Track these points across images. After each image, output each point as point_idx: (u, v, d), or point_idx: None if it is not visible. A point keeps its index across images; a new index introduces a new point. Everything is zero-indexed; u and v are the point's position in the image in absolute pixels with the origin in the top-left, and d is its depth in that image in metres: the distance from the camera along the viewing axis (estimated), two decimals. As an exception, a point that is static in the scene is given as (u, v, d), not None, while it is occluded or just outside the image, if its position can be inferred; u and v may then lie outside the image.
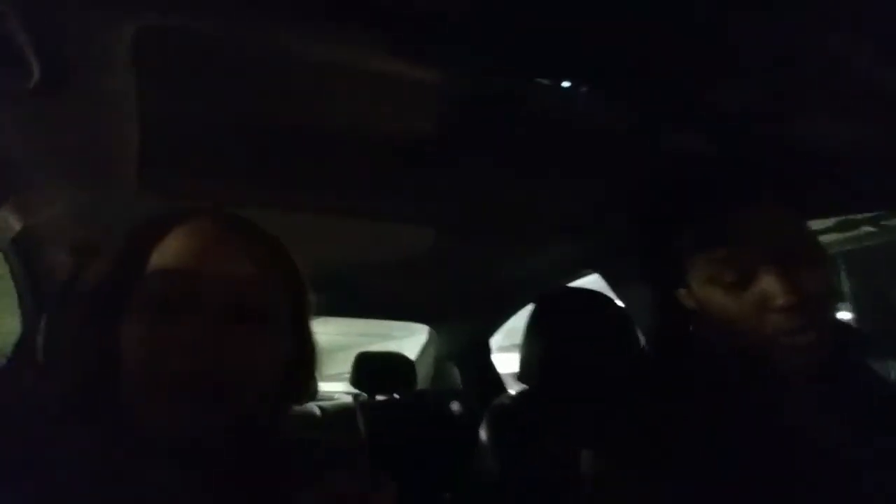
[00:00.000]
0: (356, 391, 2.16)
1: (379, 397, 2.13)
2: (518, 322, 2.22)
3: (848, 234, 2.01)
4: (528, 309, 1.33)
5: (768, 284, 0.69)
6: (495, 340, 2.38)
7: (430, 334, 2.54)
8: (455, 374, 2.41)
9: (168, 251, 0.52)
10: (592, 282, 1.59)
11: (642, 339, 1.23)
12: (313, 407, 1.93)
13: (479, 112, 0.89)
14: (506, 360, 2.65)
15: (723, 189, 0.80)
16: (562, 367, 1.19)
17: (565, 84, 0.77)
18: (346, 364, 2.16)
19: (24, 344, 1.24)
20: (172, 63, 0.76)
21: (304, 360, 0.59)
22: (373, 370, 2.15)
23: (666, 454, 0.71)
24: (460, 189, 1.24)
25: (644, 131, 0.91)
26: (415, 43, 0.73)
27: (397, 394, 2.15)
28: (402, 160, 1.08)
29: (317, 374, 0.62)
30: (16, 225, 1.05)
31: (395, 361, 2.21)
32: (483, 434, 1.20)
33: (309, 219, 1.26)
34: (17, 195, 1.00)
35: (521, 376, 1.26)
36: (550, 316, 1.23)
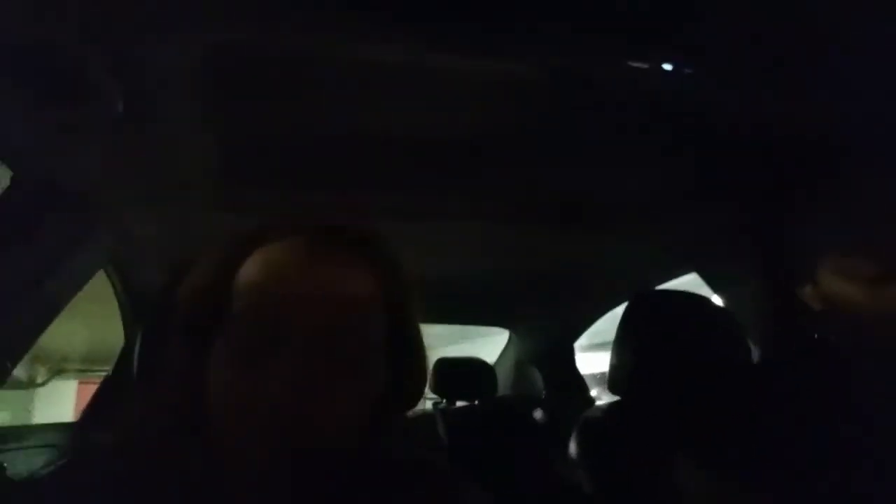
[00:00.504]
0: (435, 397, 2.12)
1: (459, 403, 2.09)
2: (602, 321, 2.11)
3: None
4: (617, 311, 1.23)
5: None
6: (578, 340, 2.28)
7: (511, 337, 2.47)
8: (537, 377, 2.32)
9: (250, 281, 0.46)
10: (688, 283, 1.46)
11: (750, 346, 1.11)
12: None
13: (570, 101, 0.82)
14: (588, 360, 2.54)
15: (855, 175, 0.69)
16: (658, 376, 1.08)
17: (667, 67, 0.68)
18: (423, 371, 2.14)
19: (124, 359, 1.30)
20: (246, 79, 0.76)
21: (413, 376, 0.53)
22: (452, 376, 2.11)
23: (792, 472, 0.63)
24: (544, 184, 1.18)
25: (756, 114, 0.80)
26: (500, 37, 0.69)
27: (478, 400, 2.10)
28: (484, 158, 1.04)
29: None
30: (111, 244, 1.09)
31: (474, 366, 2.16)
32: (573, 448, 1.12)
33: (390, 225, 1.24)
34: (110, 216, 1.04)
35: (612, 386, 1.16)
36: (646, 320, 1.12)
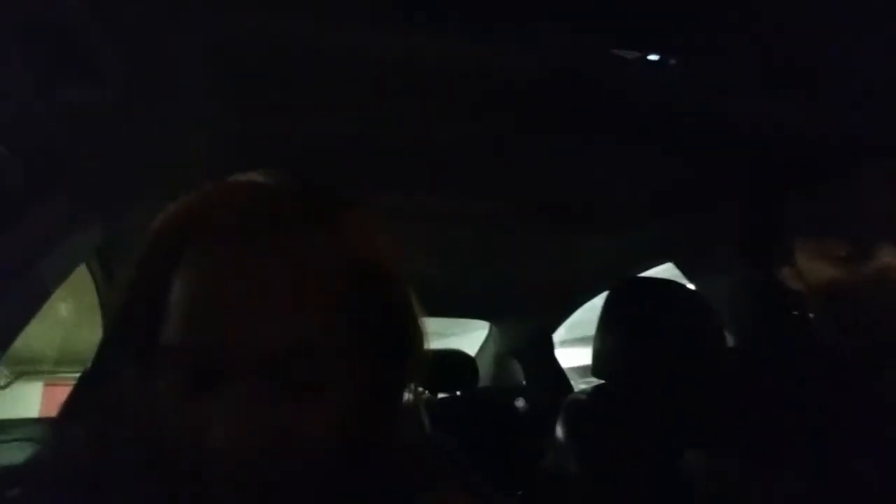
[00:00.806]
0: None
1: (441, 395, 2.12)
2: (580, 315, 2.16)
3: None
4: (599, 300, 1.27)
5: (890, 256, 0.63)
6: (557, 335, 2.33)
7: (491, 330, 2.50)
8: (517, 369, 2.37)
9: (186, 302, 0.38)
10: (662, 271, 1.52)
11: (723, 328, 1.16)
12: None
13: (550, 91, 0.85)
14: (569, 355, 2.60)
15: (828, 159, 0.74)
16: (640, 360, 1.13)
17: (652, 57, 0.72)
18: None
19: (100, 357, 1.28)
20: (246, 71, 0.76)
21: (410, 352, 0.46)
22: (434, 368, 2.12)
23: (774, 449, 0.68)
24: (523, 175, 1.20)
25: (734, 102, 0.85)
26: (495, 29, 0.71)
27: (459, 391, 2.13)
28: (466, 155, 1.06)
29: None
30: (99, 236, 1.08)
31: (456, 359, 2.19)
32: (559, 430, 1.16)
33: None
34: (99, 206, 1.03)
35: (595, 370, 1.21)
36: (627, 306, 1.17)
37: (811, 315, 0.73)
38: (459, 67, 0.80)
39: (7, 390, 5.04)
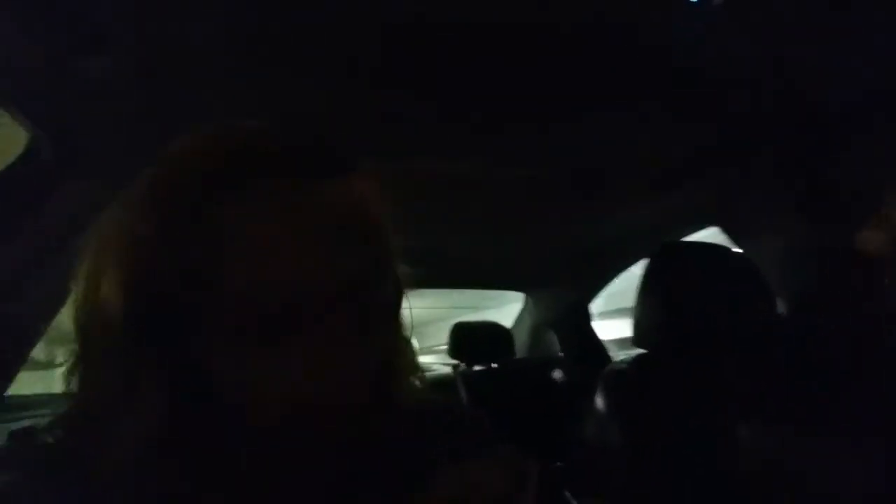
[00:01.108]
0: (454, 362, 2.15)
1: (477, 367, 2.11)
2: (620, 285, 2.10)
3: None
4: (639, 268, 1.22)
5: None
6: (596, 306, 2.28)
7: (526, 301, 2.48)
8: (553, 340, 2.34)
9: (246, 242, 0.36)
10: (710, 237, 1.45)
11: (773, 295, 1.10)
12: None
13: (584, 61, 0.81)
14: (608, 327, 2.55)
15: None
16: (683, 328, 1.08)
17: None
18: (439, 337, 2.15)
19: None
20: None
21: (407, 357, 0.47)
22: (470, 340, 2.13)
23: (826, 424, 0.63)
24: (552, 141, 1.16)
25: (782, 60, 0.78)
26: None
27: (495, 363, 2.12)
28: (498, 121, 1.02)
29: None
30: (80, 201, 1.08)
31: (492, 330, 2.18)
32: (598, 401, 1.13)
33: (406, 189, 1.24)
34: (105, 177, 1.03)
35: (636, 340, 1.16)
36: (668, 272, 1.12)
37: (888, 282, 0.66)
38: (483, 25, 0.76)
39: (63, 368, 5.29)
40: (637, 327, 1.16)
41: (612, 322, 2.90)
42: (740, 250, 1.27)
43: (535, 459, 0.44)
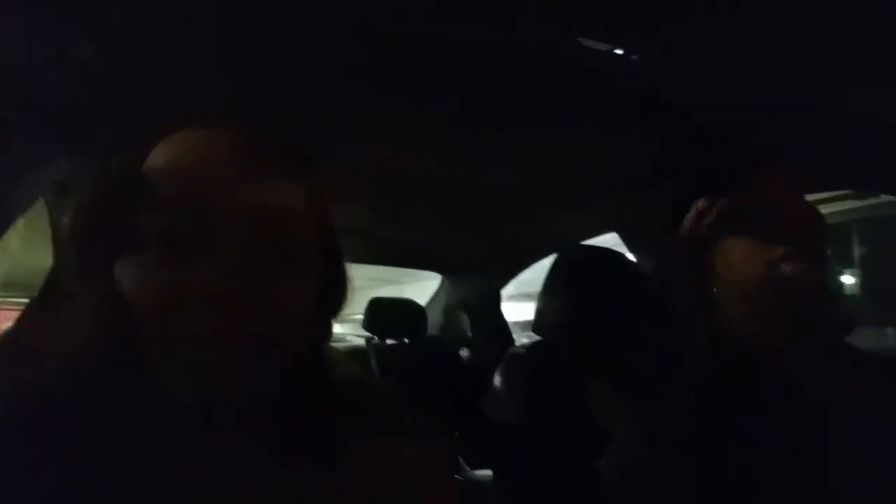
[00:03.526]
0: (367, 334, 2.22)
1: (390, 341, 2.21)
2: (528, 274, 2.26)
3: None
4: (547, 263, 1.36)
5: (805, 263, 0.72)
6: (505, 289, 2.43)
7: (443, 282, 2.59)
8: (464, 321, 2.48)
9: (165, 167, 0.40)
10: (607, 240, 1.62)
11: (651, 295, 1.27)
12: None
13: (521, 70, 0.89)
14: (514, 309, 2.72)
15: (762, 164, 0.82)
16: (577, 321, 1.23)
17: (618, 51, 0.77)
18: (354, 307, 2.20)
19: (52, 282, 1.27)
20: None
21: (337, 297, 0.50)
22: (385, 315, 2.21)
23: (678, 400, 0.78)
24: (484, 145, 1.25)
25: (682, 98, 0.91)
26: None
27: (408, 339, 2.22)
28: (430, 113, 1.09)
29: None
30: (65, 170, 1.07)
31: (407, 308, 2.27)
32: (498, 380, 1.26)
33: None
34: (77, 143, 1.02)
35: (536, 327, 1.30)
36: (571, 272, 1.26)
37: (719, 300, 0.82)
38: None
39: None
40: (538, 316, 1.30)
41: (518, 304, 3.09)
42: (632, 256, 1.45)
43: (442, 433, 0.50)
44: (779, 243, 0.73)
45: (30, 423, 0.38)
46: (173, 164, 0.40)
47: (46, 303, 0.45)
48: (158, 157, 0.40)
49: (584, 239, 1.72)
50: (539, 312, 1.30)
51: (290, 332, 0.41)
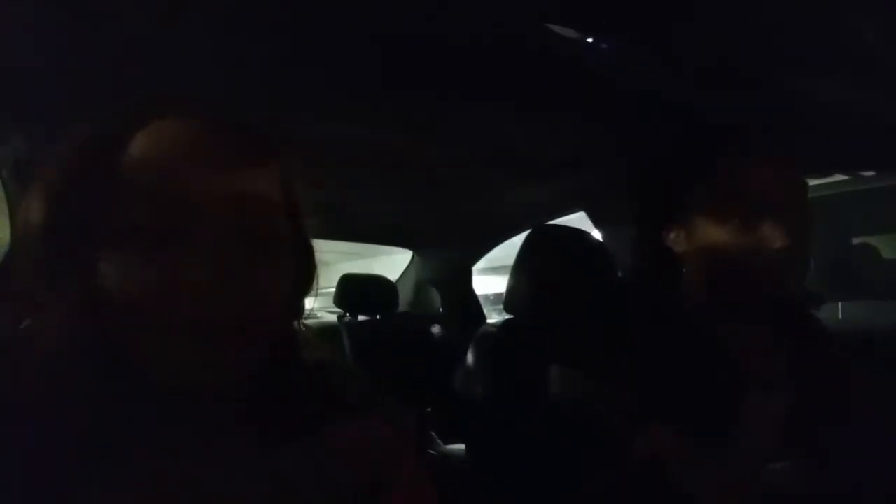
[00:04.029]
0: (339, 310, 2.22)
1: (361, 318, 2.21)
2: (499, 249, 2.29)
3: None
4: (517, 242, 1.37)
5: (767, 229, 0.75)
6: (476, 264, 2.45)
7: (413, 258, 2.59)
8: (436, 297, 2.49)
9: (141, 160, 0.40)
10: (575, 219, 1.65)
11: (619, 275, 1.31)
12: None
13: (488, 50, 0.89)
14: (484, 283, 2.75)
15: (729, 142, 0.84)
16: (546, 300, 1.25)
17: (589, 40, 0.77)
18: (324, 281, 2.20)
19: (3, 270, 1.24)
20: None
21: (307, 279, 0.51)
22: (357, 292, 2.21)
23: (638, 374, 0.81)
24: (455, 119, 1.25)
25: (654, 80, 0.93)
26: None
27: (379, 315, 2.23)
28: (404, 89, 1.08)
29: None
30: (22, 147, 1.02)
31: (378, 284, 2.28)
32: (469, 357, 1.28)
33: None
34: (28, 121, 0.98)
35: (507, 306, 1.32)
36: (540, 252, 1.28)
37: (685, 270, 0.85)
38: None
39: None
40: (509, 295, 1.32)
41: (489, 278, 3.13)
42: (599, 235, 1.48)
43: (411, 409, 0.52)
44: (748, 221, 0.76)
45: (9, 417, 0.38)
46: (146, 156, 0.40)
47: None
48: (131, 149, 0.40)
49: (553, 215, 1.74)
50: (510, 291, 1.32)
51: (267, 315, 0.42)
